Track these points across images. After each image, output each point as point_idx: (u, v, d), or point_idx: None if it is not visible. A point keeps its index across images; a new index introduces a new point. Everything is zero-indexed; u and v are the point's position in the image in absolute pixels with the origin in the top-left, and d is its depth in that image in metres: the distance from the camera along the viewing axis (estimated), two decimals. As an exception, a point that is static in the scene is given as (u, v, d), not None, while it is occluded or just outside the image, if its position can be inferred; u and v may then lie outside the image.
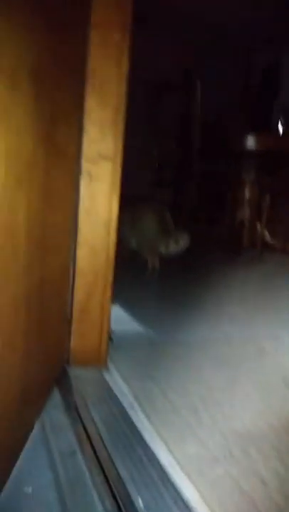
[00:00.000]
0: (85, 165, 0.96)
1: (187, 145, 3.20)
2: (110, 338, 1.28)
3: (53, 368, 1.08)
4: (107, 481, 0.76)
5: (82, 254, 1.01)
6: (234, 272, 2.81)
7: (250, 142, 3.06)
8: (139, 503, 0.72)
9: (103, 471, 0.79)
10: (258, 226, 3.34)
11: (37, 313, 0.83)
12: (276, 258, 3.36)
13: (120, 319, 1.62)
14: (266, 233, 3.55)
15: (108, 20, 0.90)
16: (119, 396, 1.06)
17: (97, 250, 1.02)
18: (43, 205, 0.76)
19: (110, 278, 1.10)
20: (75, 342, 1.12)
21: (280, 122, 4.23)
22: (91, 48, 0.90)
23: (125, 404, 1.02)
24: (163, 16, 4.63)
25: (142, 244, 2.25)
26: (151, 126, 3.52)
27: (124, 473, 0.79)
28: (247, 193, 3.42)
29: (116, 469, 0.79)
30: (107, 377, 1.15)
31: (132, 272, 2.22)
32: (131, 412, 0.99)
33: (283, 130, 4.21)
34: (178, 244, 2.23)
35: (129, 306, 1.77)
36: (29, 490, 0.74)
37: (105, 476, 0.77)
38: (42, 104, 0.70)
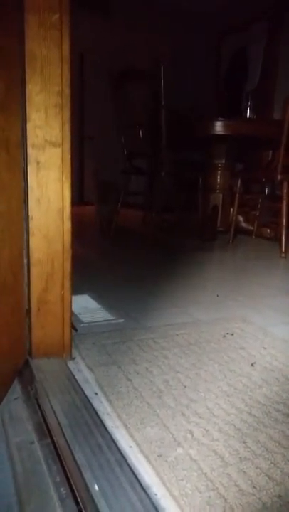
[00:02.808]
0: (32, 152, 0.93)
1: (156, 133, 3.19)
2: (74, 328, 1.27)
3: (13, 361, 1.06)
4: (64, 468, 0.76)
5: (36, 243, 0.99)
6: (207, 257, 2.82)
7: (220, 128, 3.06)
8: (95, 488, 0.72)
9: (60, 459, 0.78)
10: (231, 211, 3.36)
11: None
12: (250, 242, 3.39)
13: (87, 307, 1.61)
14: (240, 217, 3.58)
15: (43, 1, 0.87)
16: (82, 384, 1.05)
17: (51, 239, 1.00)
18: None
19: (68, 267, 1.08)
20: (36, 334, 1.11)
21: (248, 107, 4.24)
22: (27, 31, 0.87)
23: (88, 392, 1.02)
24: (130, 5, 4.58)
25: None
26: (120, 114, 3.50)
27: (81, 460, 0.78)
28: (219, 179, 3.44)
29: (73, 456, 0.79)
30: (71, 366, 1.14)
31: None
32: (93, 399, 0.99)
33: (252, 115, 4.23)
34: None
35: (97, 292, 1.76)
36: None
37: (62, 464, 0.77)
38: None
